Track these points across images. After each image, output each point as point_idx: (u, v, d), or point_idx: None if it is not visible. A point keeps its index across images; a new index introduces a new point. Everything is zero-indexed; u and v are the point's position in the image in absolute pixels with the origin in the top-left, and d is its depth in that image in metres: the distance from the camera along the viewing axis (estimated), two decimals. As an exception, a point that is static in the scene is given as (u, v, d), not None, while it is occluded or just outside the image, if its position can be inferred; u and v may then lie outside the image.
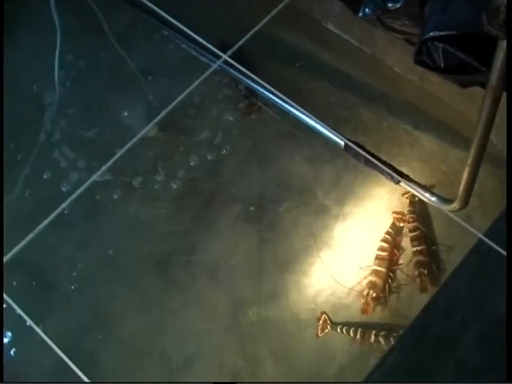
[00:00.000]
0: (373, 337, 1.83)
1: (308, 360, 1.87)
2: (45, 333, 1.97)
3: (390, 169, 1.79)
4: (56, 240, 2.11)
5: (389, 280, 1.93)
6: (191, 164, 2.20)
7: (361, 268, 1.96)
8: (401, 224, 2.00)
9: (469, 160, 1.42)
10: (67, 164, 2.23)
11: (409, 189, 1.79)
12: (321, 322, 1.90)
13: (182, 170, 2.19)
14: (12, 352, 1.94)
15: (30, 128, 2.32)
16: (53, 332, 1.94)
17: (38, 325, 1.96)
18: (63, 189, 2.18)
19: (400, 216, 2.01)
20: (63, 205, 2.12)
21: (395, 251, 1.97)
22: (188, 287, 2.01)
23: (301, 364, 1.86)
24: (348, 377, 1.82)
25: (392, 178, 1.77)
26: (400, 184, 1.78)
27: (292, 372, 1.86)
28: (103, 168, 2.16)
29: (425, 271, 1.90)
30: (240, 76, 2.16)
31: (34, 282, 2.05)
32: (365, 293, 1.92)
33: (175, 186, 2.16)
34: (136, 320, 1.98)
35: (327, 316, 1.91)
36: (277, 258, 2.01)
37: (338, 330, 1.87)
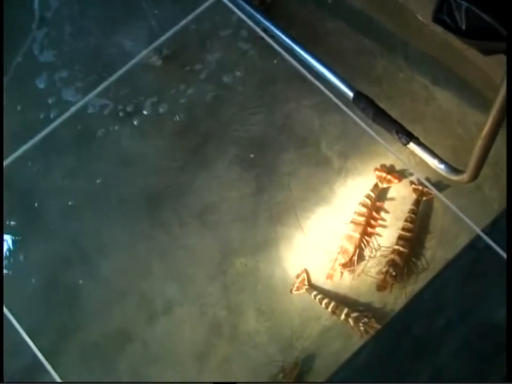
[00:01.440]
0: (343, 316, 1.73)
1: (292, 317, 1.78)
2: (25, 260, 1.94)
3: (399, 128, 1.66)
4: (44, 165, 2.02)
5: (362, 246, 1.83)
6: (192, 98, 2.06)
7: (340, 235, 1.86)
8: (385, 185, 1.88)
9: (484, 131, 1.28)
10: (61, 84, 2.11)
11: (416, 152, 1.66)
12: (299, 280, 1.81)
13: (182, 104, 2.06)
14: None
15: (22, 42, 2.18)
16: (34, 260, 1.92)
17: (19, 253, 1.93)
18: (52, 114, 2.08)
19: (383, 174, 1.87)
20: (52, 127, 2.06)
21: (374, 215, 1.86)
22: (175, 229, 1.92)
23: (285, 320, 1.78)
24: (332, 339, 1.75)
25: (400, 138, 1.64)
26: (407, 146, 1.65)
27: (275, 328, 1.78)
28: (97, 90, 2.07)
29: (394, 273, 1.77)
30: (247, 7, 1.98)
31: (19, 207, 1.99)
32: (333, 257, 1.83)
33: (173, 120, 2.04)
34: (120, 258, 1.91)
35: (307, 275, 1.82)
36: (271, 209, 1.91)
37: (312, 296, 1.78)
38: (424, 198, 1.85)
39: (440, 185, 1.84)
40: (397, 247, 1.81)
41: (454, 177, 1.61)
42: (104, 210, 1.97)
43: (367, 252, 1.84)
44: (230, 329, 1.80)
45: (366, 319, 1.72)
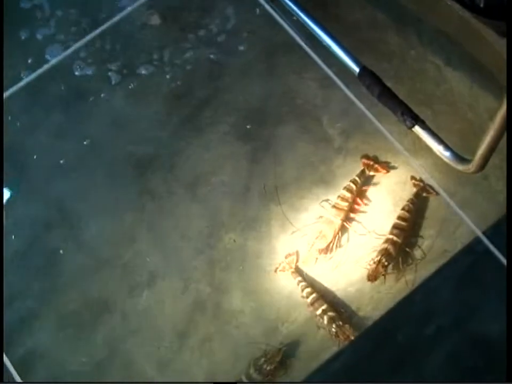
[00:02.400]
0: (319, 311, 1.64)
1: (279, 300, 1.71)
2: (7, 219, 1.86)
3: (404, 110, 1.56)
4: (29, 122, 1.93)
5: (340, 233, 1.75)
6: (190, 61, 1.95)
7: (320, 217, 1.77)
8: (371, 173, 1.78)
9: (496, 119, 1.19)
10: (48, 37, 2.01)
11: (421, 136, 1.56)
12: (287, 260, 1.73)
13: (179, 67, 1.95)
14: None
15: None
16: (15, 220, 1.84)
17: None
18: (37, 67, 1.97)
19: (371, 162, 1.78)
20: (35, 80, 1.96)
21: (357, 201, 1.77)
22: (164, 198, 1.84)
23: (271, 302, 1.71)
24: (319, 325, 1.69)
25: (404, 121, 1.54)
26: (412, 129, 1.56)
27: (260, 309, 1.71)
28: (89, 47, 1.97)
29: (386, 263, 1.67)
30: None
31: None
32: (310, 242, 1.74)
33: (168, 84, 1.93)
34: (103, 225, 1.83)
35: (297, 258, 1.74)
36: (265, 184, 1.82)
37: (296, 282, 1.70)
38: (424, 194, 1.75)
39: (444, 173, 1.75)
40: (390, 236, 1.71)
41: (460, 166, 1.52)
42: (91, 174, 1.88)
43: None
44: (213, 307, 1.72)
45: (340, 323, 1.63)
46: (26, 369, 1.71)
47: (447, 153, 1.52)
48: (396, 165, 1.79)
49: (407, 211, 1.72)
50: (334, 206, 1.76)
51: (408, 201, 1.74)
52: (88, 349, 1.72)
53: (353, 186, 1.76)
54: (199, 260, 1.76)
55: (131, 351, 1.71)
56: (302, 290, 1.69)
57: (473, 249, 1.24)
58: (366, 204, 1.78)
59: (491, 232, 1.22)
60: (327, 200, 1.78)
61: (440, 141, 1.54)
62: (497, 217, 1.52)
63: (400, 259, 1.70)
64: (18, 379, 1.68)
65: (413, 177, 1.77)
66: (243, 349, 1.67)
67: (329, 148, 1.83)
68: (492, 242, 1.05)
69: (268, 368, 1.63)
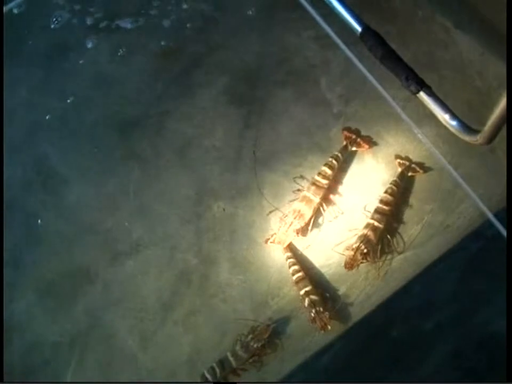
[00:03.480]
0: (302, 292, 1.55)
1: (270, 273, 1.62)
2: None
3: (409, 74, 1.45)
4: (9, 77, 1.81)
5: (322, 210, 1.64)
6: (183, 16, 1.83)
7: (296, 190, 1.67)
8: (353, 149, 1.66)
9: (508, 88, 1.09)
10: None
11: (426, 103, 1.45)
12: (280, 231, 1.62)
13: (171, 22, 1.83)
14: None
15: None
16: None
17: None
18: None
19: (353, 136, 1.66)
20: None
21: (338, 179, 1.66)
22: (150, 162, 1.73)
23: (261, 275, 1.62)
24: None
25: (409, 86, 1.43)
26: (417, 95, 1.44)
27: (249, 282, 1.62)
28: None
29: (365, 250, 1.55)
30: None
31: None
32: (288, 221, 1.63)
33: (158, 39, 1.81)
34: (86, 189, 1.73)
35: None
36: (258, 151, 1.71)
37: (285, 258, 1.61)
38: (409, 173, 1.63)
39: (449, 143, 1.64)
40: (371, 221, 1.60)
41: (467, 137, 1.41)
42: (73, 134, 1.77)
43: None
44: (199, 279, 1.64)
45: (320, 309, 1.52)
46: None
47: (454, 123, 1.41)
48: (393, 135, 1.67)
49: (390, 194, 1.60)
50: (313, 184, 1.65)
51: (391, 183, 1.62)
52: (67, 319, 1.64)
53: (335, 163, 1.65)
54: (186, 228, 1.67)
55: (113, 323, 1.63)
56: (290, 267, 1.59)
57: (482, 233, 1.12)
58: (345, 183, 1.67)
59: (502, 215, 1.11)
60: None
61: (447, 109, 1.43)
62: (503, 192, 1.43)
63: (380, 246, 1.58)
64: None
65: (397, 156, 1.66)
66: (230, 324, 1.58)
67: (327, 112, 1.71)
68: (503, 226, 0.94)
69: (255, 345, 1.54)
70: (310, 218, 1.63)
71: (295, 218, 1.61)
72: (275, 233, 1.63)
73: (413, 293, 1.09)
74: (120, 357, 1.61)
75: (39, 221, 1.70)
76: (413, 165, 1.63)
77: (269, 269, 1.62)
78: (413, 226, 1.59)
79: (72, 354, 1.62)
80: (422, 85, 1.43)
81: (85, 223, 1.70)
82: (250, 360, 1.55)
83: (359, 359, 1.03)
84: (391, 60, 1.46)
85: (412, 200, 1.62)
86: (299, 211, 1.62)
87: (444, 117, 1.43)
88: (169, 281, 1.65)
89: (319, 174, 1.64)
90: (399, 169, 1.63)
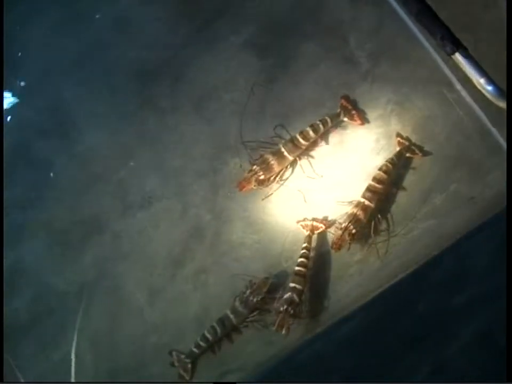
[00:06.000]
0: (292, 285, 1.49)
1: (286, 234, 1.56)
2: None
3: (445, 33, 1.37)
4: (26, 13, 1.76)
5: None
6: (209, -40, 1.75)
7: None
8: (345, 119, 1.58)
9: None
10: None
11: (461, 66, 1.38)
12: (314, 223, 1.54)
13: (196, -35, 1.76)
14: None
15: None
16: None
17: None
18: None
19: (349, 106, 1.57)
20: None
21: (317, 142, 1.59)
22: (167, 112, 1.68)
23: (276, 236, 1.57)
24: (326, 264, 1.53)
25: (444, 46, 1.35)
26: (452, 56, 1.37)
27: (263, 243, 1.57)
28: None
29: (354, 231, 1.48)
30: None
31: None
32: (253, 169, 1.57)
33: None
34: (100, 136, 1.69)
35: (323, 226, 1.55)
36: (282, 104, 1.63)
37: (303, 245, 1.53)
38: (408, 154, 1.54)
39: (482, 109, 1.55)
40: (362, 199, 1.52)
41: (501, 103, 1.35)
42: (89, 79, 1.72)
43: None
44: (212, 236, 1.59)
45: (292, 311, 1.46)
46: (10, 285, 1.62)
47: (490, 88, 1.34)
48: (422, 98, 1.57)
49: (385, 172, 1.52)
50: (291, 141, 1.58)
51: (387, 161, 1.54)
52: (75, 269, 1.62)
53: (321, 127, 1.57)
54: (200, 183, 1.62)
55: (121, 275, 1.60)
56: (300, 257, 1.52)
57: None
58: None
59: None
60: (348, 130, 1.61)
61: (483, 72, 1.35)
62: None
63: (371, 226, 1.52)
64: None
65: (399, 134, 1.57)
66: (241, 283, 1.54)
67: (354, 71, 1.63)
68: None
69: (254, 300, 1.50)
70: (275, 174, 1.57)
71: (261, 168, 1.55)
72: (310, 220, 1.54)
73: (443, 265, 1.03)
74: (127, 310, 1.59)
75: (51, 162, 1.67)
76: (412, 147, 1.55)
77: (284, 230, 1.57)
78: (436, 195, 1.54)
79: (79, 304, 1.60)
80: (458, 46, 1.36)
81: (97, 171, 1.66)
82: (251, 317, 1.52)
83: (379, 334, 0.97)
84: (427, 16, 1.39)
85: (437, 168, 1.55)
86: (268, 161, 1.56)
87: (480, 81, 1.36)
88: (180, 236, 1.61)
89: (301, 133, 1.57)
90: (398, 148, 1.55)
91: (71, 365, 1.58)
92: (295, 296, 1.48)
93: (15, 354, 1.58)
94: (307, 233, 1.53)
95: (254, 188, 1.58)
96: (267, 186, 1.58)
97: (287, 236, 1.57)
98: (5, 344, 1.57)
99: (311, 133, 1.57)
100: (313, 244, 1.54)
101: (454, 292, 0.95)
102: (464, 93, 1.55)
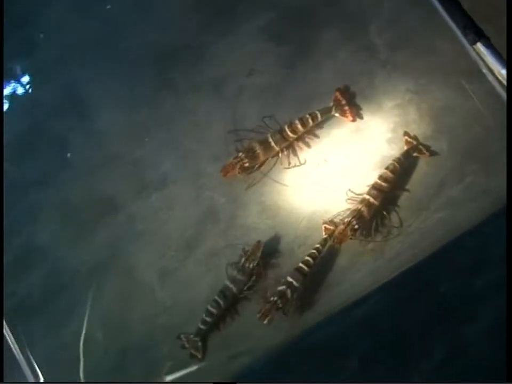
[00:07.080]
0: (289, 279, 1.48)
1: (300, 219, 1.55)
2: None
3: (468, 22, 1.37)
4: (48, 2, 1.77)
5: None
6: None
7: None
8: (337, 114, 1.57)
9: None
10: None
11: (483, 56, 1.38)
12: (339, 229, 1.51)
13: None
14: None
15: None
16: (20, 102, 1.72)
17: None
18: None
19: (342, 101, 1.57)
20: None
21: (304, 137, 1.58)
22: (185, 94, 1.67)
23: (290, 221, 1.56)
24: (337, 252, 1.53)
25: (466, 35, 1.35)
26: (474, 46, 1.36)
27: (277, 228, 1.56)
28: None
29: (356, 227, 1.48)
30: None
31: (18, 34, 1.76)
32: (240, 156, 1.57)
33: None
34: (116, 116, 1.69)
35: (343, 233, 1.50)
36: (300, 91, 1.62)
37: (319, 242, 1.53)
38: (415, 154, 1.54)
39: (500, 103, 1.54)
40: (367, 196, 1.52)
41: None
42: (107, 58, 1.72)
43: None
44: (226, 219, 1.59)
45: (280, 305, 1.47)
46: (22, 263, 1.63)
47: (511, 78, 1.34)
48: (441, 88, 1.56)
49: (391, 171, 1.52)
50: (279, 132, 1.58)
51: (394, 160, 1.53)
52: (88, 248, 1.62)
53: (310, 121, 1.57)
54: (216, 166, 1.61)
55: (134, 255, 1.60)
56: (308, 255, 1.50)
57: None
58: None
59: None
60: (367, 117, 1.60)
61: (503, 61, 1.35)
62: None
63: (374, 224, 1.51)
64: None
65: (406, 133, 1.56)
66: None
67: (373, 59, 1.62)
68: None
69: (251, 265, 1.51)
70: (260, 162, 1.58)
71: (247, 155, 1.56)
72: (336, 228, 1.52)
73: (465, 246, 1.03)
74: (139, 290, 1.59)
75: (67, 141, 1.67)
76: (420, 146, 1.54)
77: (299, 216, 1.57)
78: (452, 187, 1.54)
79: (91, 282, 1.60)
80: (480, 35, 1.36)
81: (113, 151, 1.66)
82: (250, 284, 1.52)
83: (399, 314, 0.97)
84: (450, 5, 1.39)
85: (454, 159, 1.55)
86: (254, 149, 1.56)
87: (501, 72, 1.36)
88: (194, 218, 1.61)
89: (290, 125, 1.57)
90: (405, 147, 1.55)
91: (80, 343, 1.60)
92: (288, 291, 1.48)
93: (27, 330, 1.59)
94: (325, 235, 1.53)
95: (238, 174, 1.58)
96: (251, 173, 1.58)
97: (301, 221, 1.57)
98: (17, 321, 1.59)
99: (299, 126, 1.57)
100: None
101: (476, 271, 0.95)
102: (483, 84, 1.55)
